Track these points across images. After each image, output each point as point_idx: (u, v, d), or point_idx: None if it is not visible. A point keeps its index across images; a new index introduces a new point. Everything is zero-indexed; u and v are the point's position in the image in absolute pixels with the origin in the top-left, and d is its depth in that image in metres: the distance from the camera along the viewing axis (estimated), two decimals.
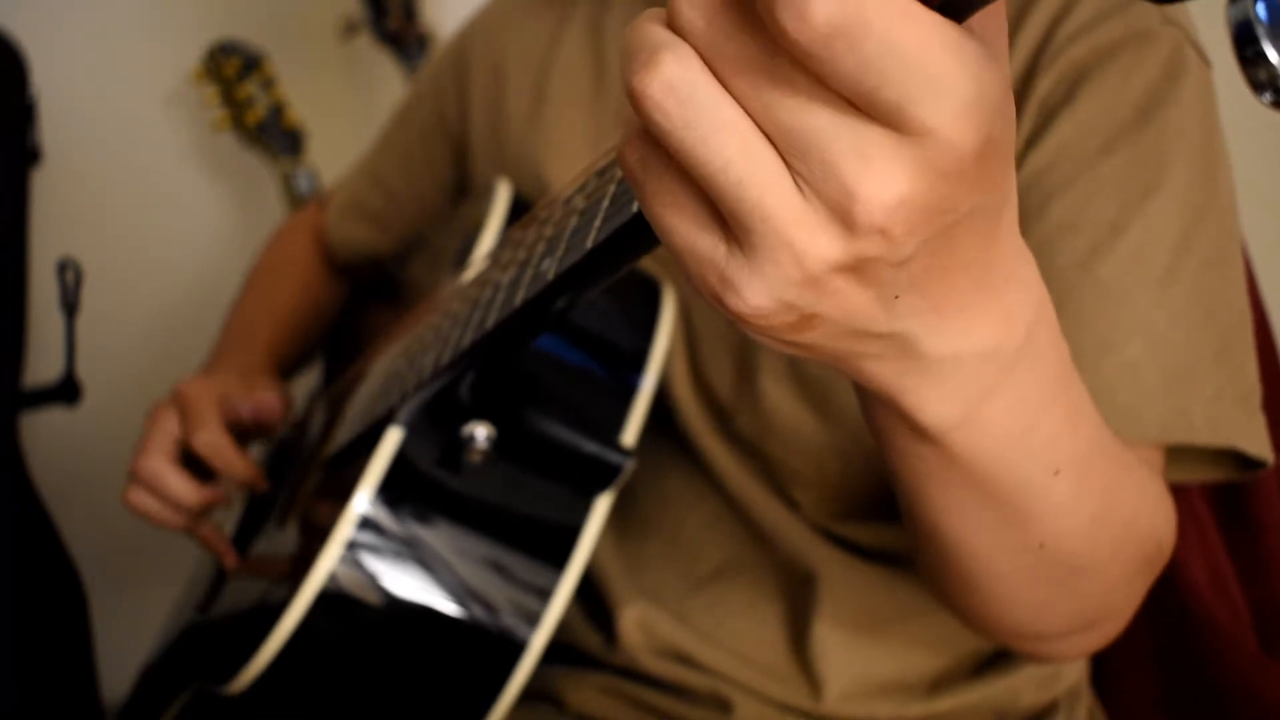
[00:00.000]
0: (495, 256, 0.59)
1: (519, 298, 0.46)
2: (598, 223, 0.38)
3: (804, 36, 0.24)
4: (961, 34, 0.26)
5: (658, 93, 0.27)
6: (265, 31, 1.41)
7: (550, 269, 0.43)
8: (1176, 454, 0.59)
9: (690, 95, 0.27)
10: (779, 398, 0.65)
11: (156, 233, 1.44)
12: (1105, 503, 0.48)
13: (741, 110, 0.27)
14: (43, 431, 1.17)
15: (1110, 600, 0.53)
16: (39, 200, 1.01)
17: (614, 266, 0.39)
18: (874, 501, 0.66)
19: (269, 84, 1.34)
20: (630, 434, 0.62)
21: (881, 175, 0.26)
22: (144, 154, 1.42)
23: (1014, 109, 0.29)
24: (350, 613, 0.58)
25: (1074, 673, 0.72)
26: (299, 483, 0.74)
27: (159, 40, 1.40)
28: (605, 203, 0.38)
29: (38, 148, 1.00)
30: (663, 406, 0.69)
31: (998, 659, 0.69)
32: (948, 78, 0.25)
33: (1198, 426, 0.55)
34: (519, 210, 0.73)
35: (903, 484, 0.46)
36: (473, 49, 0.87)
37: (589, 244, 0.39)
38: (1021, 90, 0.59)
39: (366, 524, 0.58)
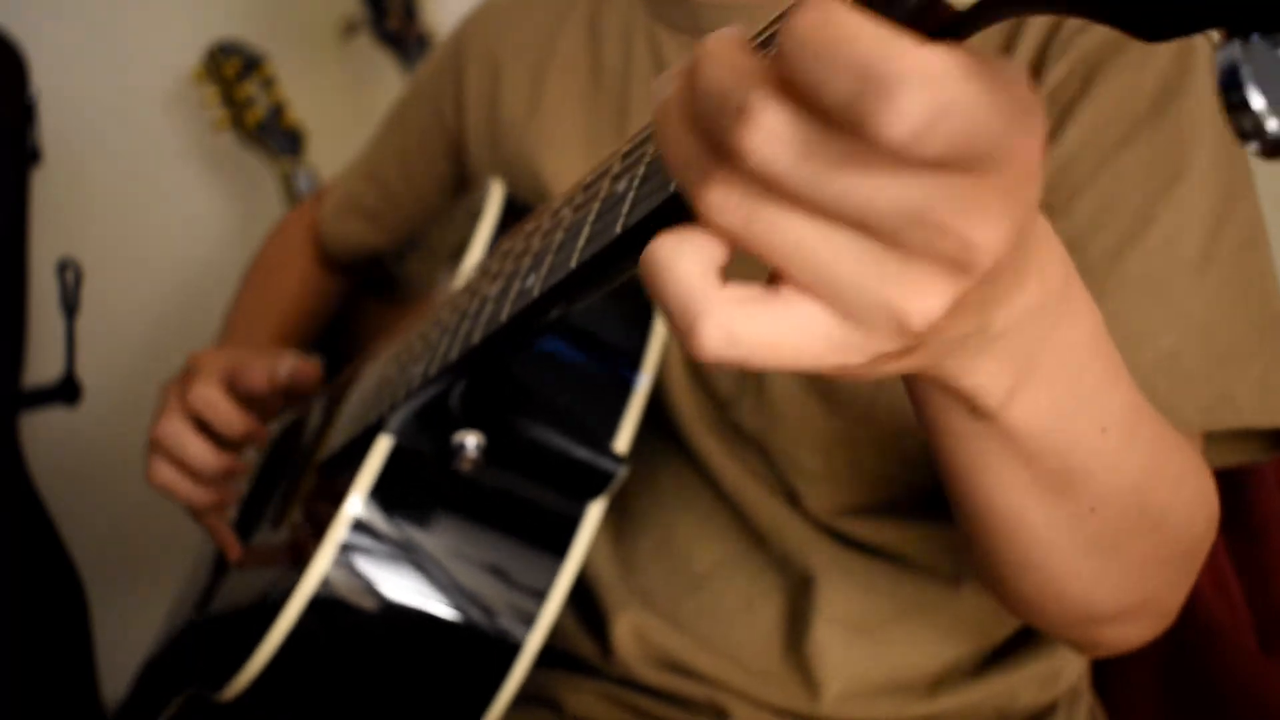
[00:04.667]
0: (485, 266, 0.59)
1: (505, 314, 0.46)
2: (581, 242, 0.38)
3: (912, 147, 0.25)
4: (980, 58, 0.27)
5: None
6: (265, 31, 1.41)
7: (535, 286, 0.42)
8: (1217, 436, 0.58)
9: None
10: (785, 384, 0.64)
11: (157, 233, 1.44)
12: (1153, 459, 0.48)
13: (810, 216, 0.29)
14: (43, 431, 1.17)
15: (1159, 575, 0.53)
16: (39, 200, 1.01)
17: (599, 285, 0.39)
18: (880, 495, 0.65)
19: (269, 84, 1.34)
20: (623, 440, 0.62)
21: (989, 216, 0.28)
22: (144, 154, 1.41)
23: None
24: (342, 618, 0.58)
25: (1074, 673, 0.72)
26: (294, 484, 0.74)
27: (159, 40, 1.40)
28: (590, 219, 0.38)
29: (38, 148, 1.00)
30: (657, 402, 0.68)
31: (998, 658, 0.69)
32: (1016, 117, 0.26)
33: (1245, 408, 0.54)
34: (513, 210, 0.73)
35: (957, 471, 0.46)
36: (469, 46, 0.86)
37: (573, 263, 0.38)
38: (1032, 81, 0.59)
39: (358, 530, 0.58)
